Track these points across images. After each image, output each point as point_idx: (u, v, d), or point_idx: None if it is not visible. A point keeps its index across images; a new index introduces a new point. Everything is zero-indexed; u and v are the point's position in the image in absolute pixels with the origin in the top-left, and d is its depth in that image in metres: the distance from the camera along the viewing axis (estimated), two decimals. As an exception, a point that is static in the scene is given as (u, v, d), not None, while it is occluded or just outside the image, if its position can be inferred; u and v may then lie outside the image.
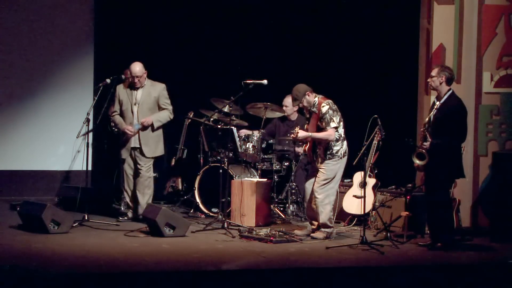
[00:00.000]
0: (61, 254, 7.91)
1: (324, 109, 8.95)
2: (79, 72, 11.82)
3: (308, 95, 9.02)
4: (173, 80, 11.84)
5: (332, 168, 8.96)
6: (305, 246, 8.68)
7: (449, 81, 8.60)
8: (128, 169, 9.89)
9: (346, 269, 7.78)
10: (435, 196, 8.56)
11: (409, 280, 7.62)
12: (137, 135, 9.81)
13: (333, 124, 8.92)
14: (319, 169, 9.00)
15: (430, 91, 9.40)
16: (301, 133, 8.97)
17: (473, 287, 7.65)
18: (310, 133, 8.98)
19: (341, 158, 8.98)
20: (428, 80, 8.71)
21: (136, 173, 9.87)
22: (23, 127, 11.69)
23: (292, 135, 9.04)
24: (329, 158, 8.96)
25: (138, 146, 9.82)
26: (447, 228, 8.61)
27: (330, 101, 9.01)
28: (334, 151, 8.96)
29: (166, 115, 9.91)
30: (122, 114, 9.88)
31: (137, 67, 9.79)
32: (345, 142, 9.03)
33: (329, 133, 8.93)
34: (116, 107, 9.95)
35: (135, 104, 9.82)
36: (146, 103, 9.82)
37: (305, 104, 9.05)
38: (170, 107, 9.95)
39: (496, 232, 9.28)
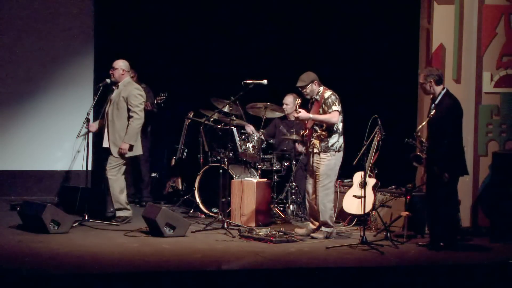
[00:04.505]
0: (61, 254, 7.91)
1: (327, 94, 8.96)
2: (79, 72, 11.83)
3: (315, 84, 9.02)
4: (173, 80, 11.88)
5: (327, 163, 8.94)
6: (305, 246, 8.68)
7: (438, 82, 8.61)
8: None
9: (346, 269, 7.78)
10: (438, 195, 8.54)
11: (409, 280, 7.62)
12: (106, 135, 9.70)
13: (335, 108, 8.90)
14: (315, 165, 8.97)
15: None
16: (303, 114, 8.94)
17: (473, 287, 7.65)
18: (311, 115, 8.95)
19: (336, 152, 8.95)
20: (419, 86, 8.73)
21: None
22: (23, 127, 11.70)
23: (294, 114, 9.02)
24: (324, 151, 8.94)
25: (108, 146, 9.71)
26: (451, 228, 8.61)
27: (333, 91, 9.03)
28: (329, 144, 8.93)
29: (134, 126, 9.59)
30: None
31: (118, 61, 9.75)
32: (341, 137, 9.00)
33: (331, 115, 8.89)
34: None
35: (108, 104, 9.76)
36: (116, 103, 9.67)
37: (308, 91, 9.02)
38: (137, 110, 9.59)
39: (496, 232, 9.28)
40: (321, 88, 9.05)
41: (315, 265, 7.87)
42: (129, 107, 9.64)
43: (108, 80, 9.78)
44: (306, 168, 9.57)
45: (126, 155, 9.65)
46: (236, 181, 10.10)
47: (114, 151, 9.65)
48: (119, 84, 9.74)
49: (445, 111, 8.49)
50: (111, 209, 9.93)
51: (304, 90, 9.04)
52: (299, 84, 9.05)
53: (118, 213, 9.75)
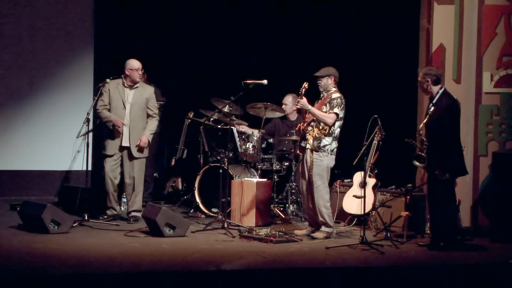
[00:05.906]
0: (61, 254, 7.91)
1: (335, 95, 8.97)
2: (79, 72, 11.82)
3: (331, 79, 9.04)
4: (173, 80, 11.90)
5: (320, 163, 8.93)
6: (305, 246, 8.68)
7: (436, 82, 8.62)
8: (111, 167, 9.83)
9: (346, 269, 7.78)
10: (437, 195, 8.55)
11: (409, 280, 7.62)
12: (127, 134, 9.75)
13: (336, 110, 8.91)
14: (308, 165, 8.95)
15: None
16: (304, 101, 8.93)
17: (473, 287, 7.65)
18: (311, 107, 8.95)
19: (327, 154, 8.95)
20: (417, 84, 8.76)
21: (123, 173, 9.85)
22: (23, 127, 11.69)
23: (297, 101, 9.02)
24: (316, 150, 8.93)
25: (128, 145, 9.77)
26: (451, 228, 8.60)
27: (342, 96, 9.04)
28: (321, 144, 8.93)
29: (155, 125, 9.92)
30: (110, 112, 9.82)
31: (138, 62, 9.83)
32: (335, 142, 8.98)
33: (328, 116, 8.91)
34: (105, 101, 9.82)
35: (127, 104, 9.76)
36: (138, 103, 9.77)
37: (322, 83, 9.04)
38: (157, 112, 9.96)
39: (496, 232, 9.28)
40: (334, 88, 9.05)
41: (315, 265, 7.87)
42: (151, 108, 9.86)
43: (108, 80, 9.79)
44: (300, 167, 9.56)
45: (143, 155, 9.77)
46: (236, 181, 10.10)
47: (136, 152, 9.73)
48: (138, 85, 9.81)
49: (442, 110, 8.49)
50: (114, 211, 9.94)
51: (319, 81, 9.06)
52: (316, 73, 9.09)
53: (135, 213, 9.84)
